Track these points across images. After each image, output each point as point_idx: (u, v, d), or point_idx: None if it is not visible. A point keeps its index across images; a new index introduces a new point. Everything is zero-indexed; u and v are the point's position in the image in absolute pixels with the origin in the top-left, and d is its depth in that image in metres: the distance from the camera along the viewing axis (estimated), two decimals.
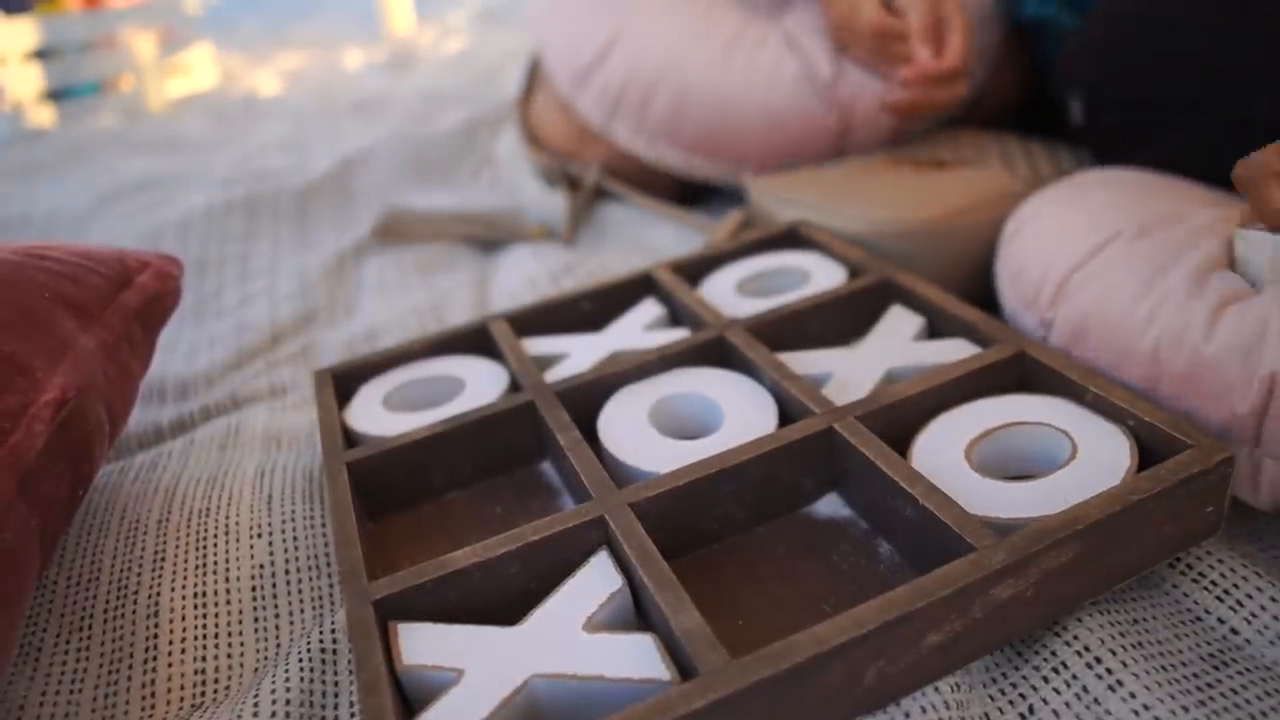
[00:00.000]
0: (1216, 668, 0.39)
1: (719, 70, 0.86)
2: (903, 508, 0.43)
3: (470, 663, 0.38)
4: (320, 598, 0.50)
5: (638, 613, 0.42)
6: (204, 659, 0.47)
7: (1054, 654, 0.40)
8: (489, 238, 0.96)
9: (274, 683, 0.43)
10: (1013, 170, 0.79)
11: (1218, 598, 0.42)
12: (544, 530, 0.43)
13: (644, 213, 0.96)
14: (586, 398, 0.55)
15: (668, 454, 0.49)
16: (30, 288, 0.52)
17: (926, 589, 0.36)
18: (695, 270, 0.68)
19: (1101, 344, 0.51)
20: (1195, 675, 0.39)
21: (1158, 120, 0.66)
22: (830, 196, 0.72)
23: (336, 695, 0.43)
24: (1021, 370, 0.51)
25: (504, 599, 0.43)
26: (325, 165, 1.20)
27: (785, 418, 0.51)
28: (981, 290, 0.67)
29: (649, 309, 0.64)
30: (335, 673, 0.44)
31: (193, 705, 0.45)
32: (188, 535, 0.53)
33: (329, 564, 0.52)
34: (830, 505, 0.48)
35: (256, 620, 0.49)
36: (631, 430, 0.51)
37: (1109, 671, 0.38)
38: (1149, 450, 0.44)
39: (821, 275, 0.64)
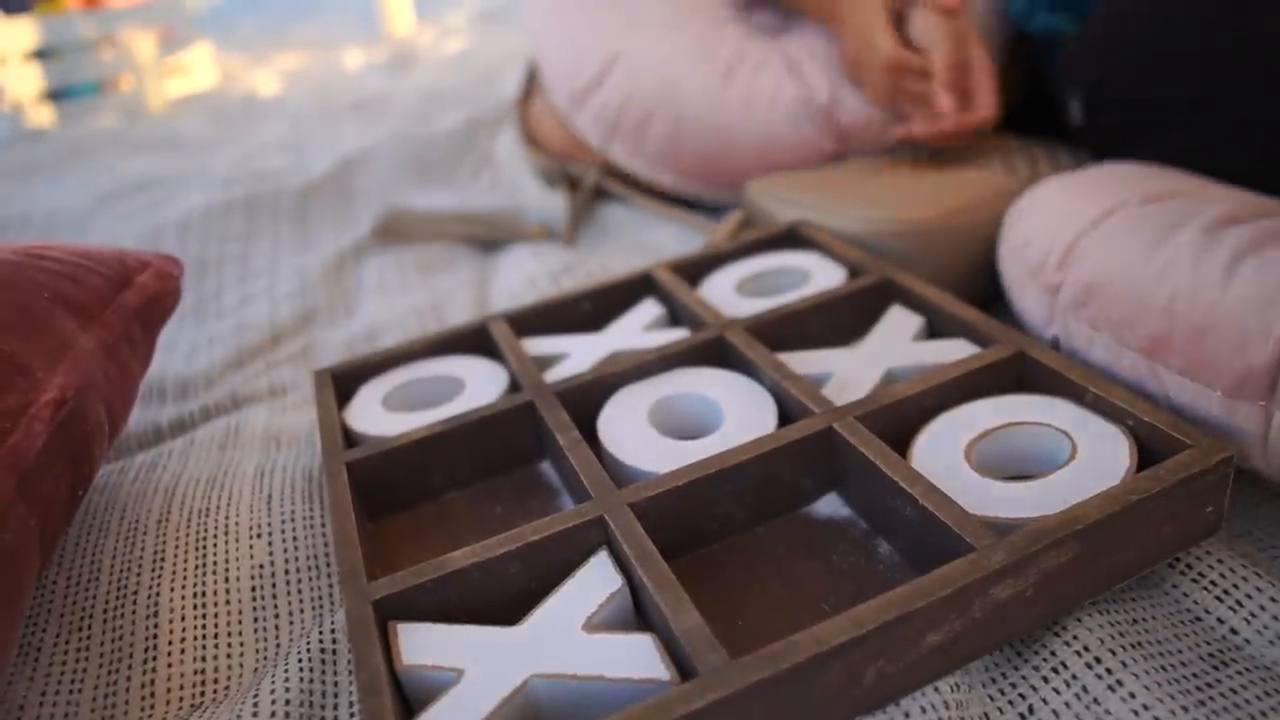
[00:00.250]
0: (1216, 668, 0.39)
1: (717, 96, 0.86)
2: (902, 508, 0.43)
3: (470, 663, 0.38)
4: (320, 598, 0.50)
5: (637, 613, 0.42)
6: (204, 659, 0.47)
7: (1054, 654, 0.40)
8: (489, 238, 0.96)
9: (274, 683, 0.43)
10: (1012, 170, 0.79)
11: (1217, 598, 0.42)
12: (544, 530, 0.43)
13: (644, 213, 0.96)
14: (586, 398, 0.55)
15: (667, 454, 0.49)
16: (30, 288, 0.52)
17: (926, 589, 0.36)
18: (695, 270, 0.68)
19: (1113, 301, 0.50)
20: (1195, 675, 0.39)
21: (1157, 120, 0.66)
22: (830, 197, 0.72)
23: (336, 695, 0.43)
24: (1021, 370, 0.51)
25: (504, 599, 0.43)
26: (325, 165, 1.20)
27: (785, 418, 0.51)
28: (981, 290, 0.67)
29: (649, 309, 0.64)
30: (335, 673, 0.44)
31: (192, 705, 0.45)
32: (187, 535, 0.53)
33: (329, 564, 0.52)
34: (830, 505, 0.48)
35: (256, 620, 0.49)
36: (631, 430, 0.51)
37: (1109, 671, 0.38)
38: (1148, 450, 0.44)
39: (821, 275, 0.64)
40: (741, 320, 0.58)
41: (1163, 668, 0.39)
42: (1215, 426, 0.46)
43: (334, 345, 0.79)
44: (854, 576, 0.44)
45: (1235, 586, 0.42)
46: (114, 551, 0.53)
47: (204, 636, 0.48)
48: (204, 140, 1.51)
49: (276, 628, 0.48)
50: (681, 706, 0.33)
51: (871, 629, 0.35)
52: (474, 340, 0.64)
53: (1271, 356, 0.43)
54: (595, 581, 0.42)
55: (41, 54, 1.70)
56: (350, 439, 0.56)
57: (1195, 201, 0.52)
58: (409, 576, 0.42)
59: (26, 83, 1.67)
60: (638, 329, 0.62)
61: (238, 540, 0.52)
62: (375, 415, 0.57)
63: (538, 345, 0.61)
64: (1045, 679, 0.39)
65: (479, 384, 0.59)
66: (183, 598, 0.49)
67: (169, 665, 0.47)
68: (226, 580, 0.50)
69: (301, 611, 0.49)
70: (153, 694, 0.45)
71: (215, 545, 0.52)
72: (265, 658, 0.47)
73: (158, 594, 0.50)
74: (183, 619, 0.48)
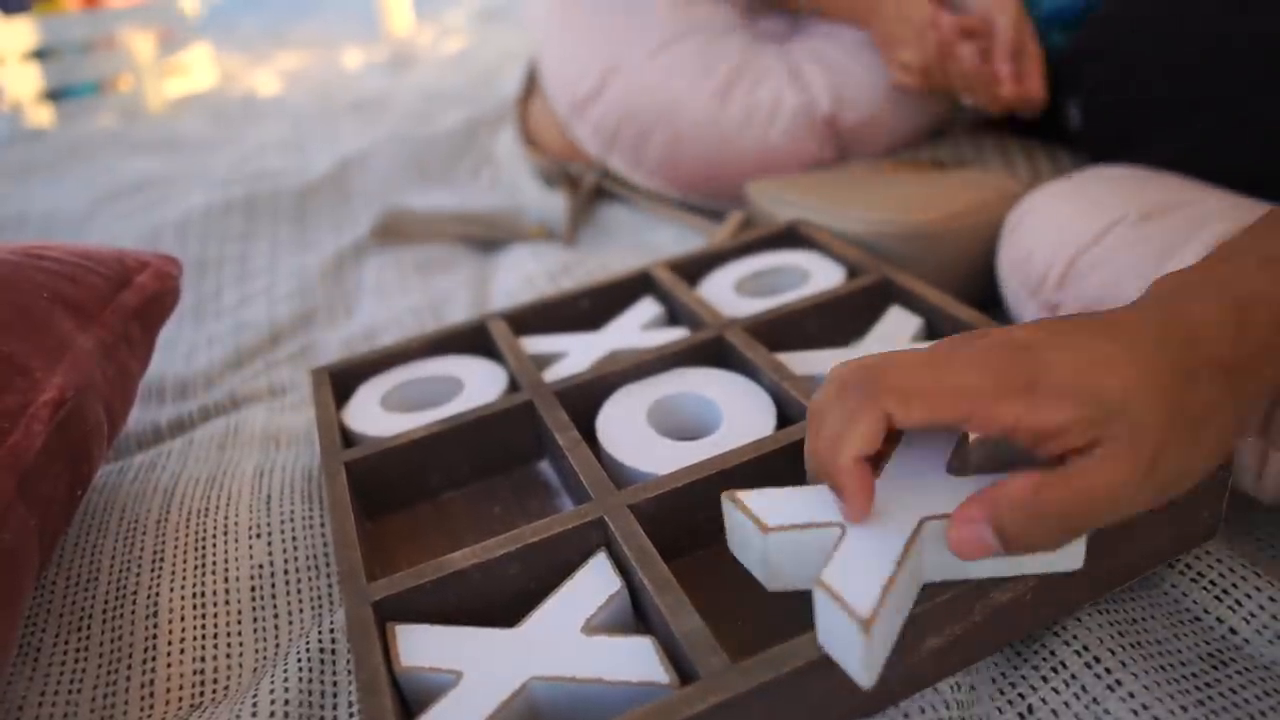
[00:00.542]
0: (1215, 667, 0.39)
1: (716, 110, 0.85)
2: None
3: (469, 664, 0.38)
4: (319, 598, 0.50)
5: (636, 614, 0.42)
6: (203, 659, 0.47)
7: (1053, 654, 0.40)
8: (488, 238, 0.96)
9: (273, 683, 0.43)
10: (1013, 172, 0.79)
11: (1216, 597, 0.42)
12: (543, 531, 0.43)
13: (644, 213, 0.96)
14: (585, 397, 0.55)
15: (666, 454, 0.49)
16: (29, 288, 0.52)
17: (927, 592, 0.36)
18: (694, 269, 0.68)
19: None
20: (1194, 675, 0.39)
21: (1156, 123, 0.66)
22: (830, 198, 0.72)
23: (335, 696, 0.43)
24: None
25: (503, 600, 0.43)
26: (324, 165, 1.20)
27: (784, 418, 0.51)
28: (980, 292, 0.67)
29: (647, 308, 0.64)
30: (334, 673, 0.44)
31: (191, 705, 0.45)
32: (186, 535, 0.53)
33: (328, 564, 0.52)
34: None
35: (255, 620, 0.49)
36: (630, 431, 0.51)
37: (1108, 671, 0.38)
38: None
39: (820, 275, 0.64)
40: (740, 320, 0.58)
41: (1162, 667, 0.39)
42: None
43: (333, 345, 0.79)
44: None
45: (1234, 586, 0.42)
46: (113, 551, 0.53)
47: (203, 636, 0.48)
48: (203, 140, 1.51)
49: (276, 628, 0.48)
50: (682, 710, 0.33)
51: None
52: (472, 339, 0.63)
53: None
54: (594, 583, 0.42)
55: (40, 54, 1.70)
56: (349, 438, 0.56)
57: (1194, 216, 0.52)
58: (408, 577, 0.42)
59: (25, 83, 1.67)
60: (636, 328, 0.62)
61: (237, 540, 0.52)
62: (374, 415, 0.57)
63: (536, 344, 0.61)
64: (1045, 679, 0.39)
65: (477, 383, 0.59)
66: (182, 598, 0.49)
67: (168, 665, 0.47)
68: (226, 580, 0.50)
69: (301, 611, 0.49)
70: (152, 694, 0.45)
71: (214, 545, 0.52)
72: (265, 658, 0.47)
73: (157, 594, 0.50)
74: (182, 619, 0.48)
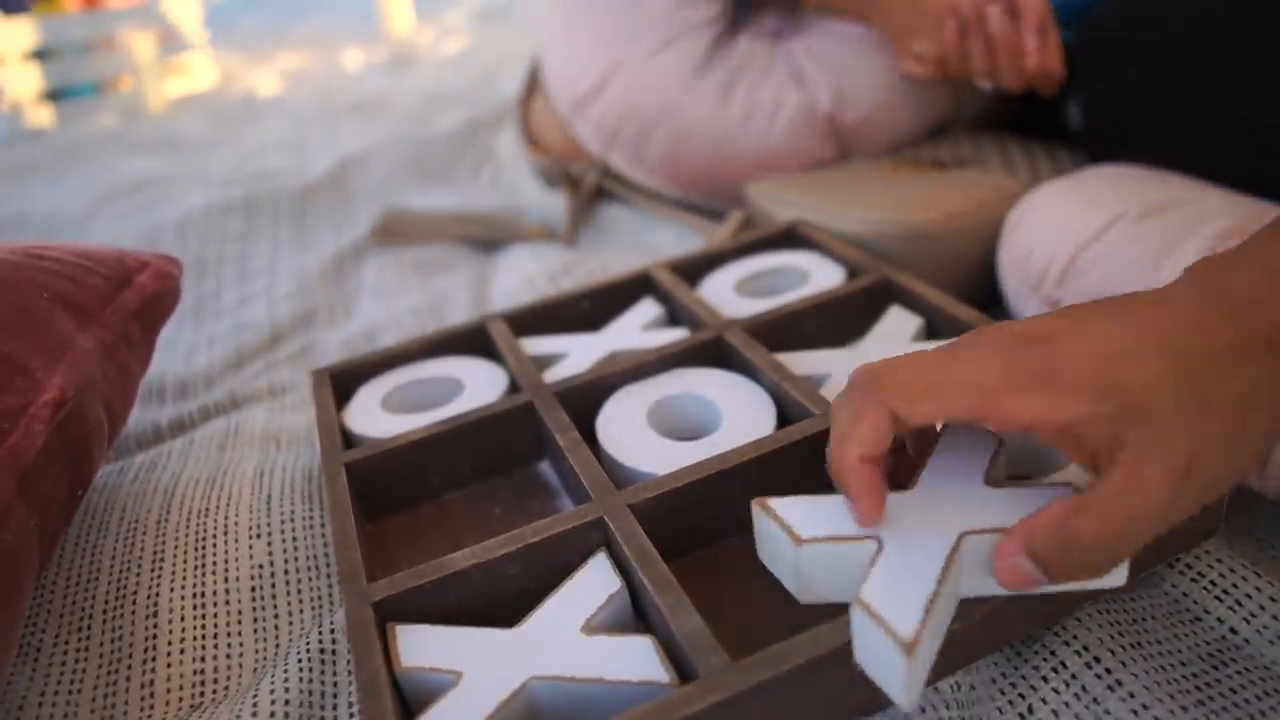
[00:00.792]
0: (1215, 667, 0.39)
1: (717, 109, 0.85)
2: None
3: (469, 665, 0.38)
4: (319, 598, 0.50)
5: (636, 614, 0.42)
6: (203, 659, 0.47)
7: (1053, 654, 0.40)
8: (488, 238, 0.96)
9: (273, 683, 0.43)
10: (1013, 172, 0.79)
11: (1217, 597, 0.42)
12: (543, 531, 0.43)
13: (644, 213, 0.96)
14: (585, 398, 0.55)
15: (666, 455, 0.49)
16: (29, 288, 0.52)
17: None
18: (694, 270, 0.68)
19: None
20: (1194, 675, 0.39)
21: (1156, 122, 0.66)
22: (830, 198, 0.72)
23: (335, 696, 0.43)
24: None
25: (503, 600, 0.43)
26: (324, 165, 1.20)
27: (784, 418, 0.51)
28: (980, 291, 0.67)
29: (647, 308, 0.64)
30: (334, 673, 0.44)
31: (192, 705, 0.45)
32: (187, 535, 0.53)
33: (328, 564, 0.52)
34: None
35: (256, 620, 0.49)
36: (630, 431, 0.51)
37: (1108, 671, 0.38)
38: None
39: (820, 275, 0.64)
40: (740, 320, 0.58)
41: (1162, 667, 0.39)
42: None
43: (333, 346, 0.79)
44: None
45: (1235, 586, 0.42)
46: (113, 552, 0.53)
47: (203, 636, 0.48)
48: (203, 140, 1.51)
49: (276, 628, 0.48)
50: (682, 709, 0.33)
51: None
52: (472, 340, 0.63)
53: None
54: (594, 583, 0.42)
55: (40, 54, 1.70)
56: (349, 440, 0.56)
57: (1193, 214, 0.52)
58: (408, 578, 0.42)
59: (25, 83, 1.67)
60: (636, 328, 0.62)
61: (237, 540, 0.52)
62: (374, 416, 0.57)
63: (536, 345, 0.61)
64: (1045, 679, 0.39)
65: (478, 384, 0.59)
66: (182, 598, 0.49)
67: (168, 665, 0.47)
68: (226, 580, 0.50)
69: (301, 612, 0.49)
70: (152, 694, 0.45)
71: (215, 545, 0.52)
72: (265, 658, 0.47)
73: (157, 594, 0.50)
74: (182, 619, 0.48)
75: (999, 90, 0.77)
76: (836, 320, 0.60)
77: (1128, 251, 0.51)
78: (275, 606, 0.49)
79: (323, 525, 0.53)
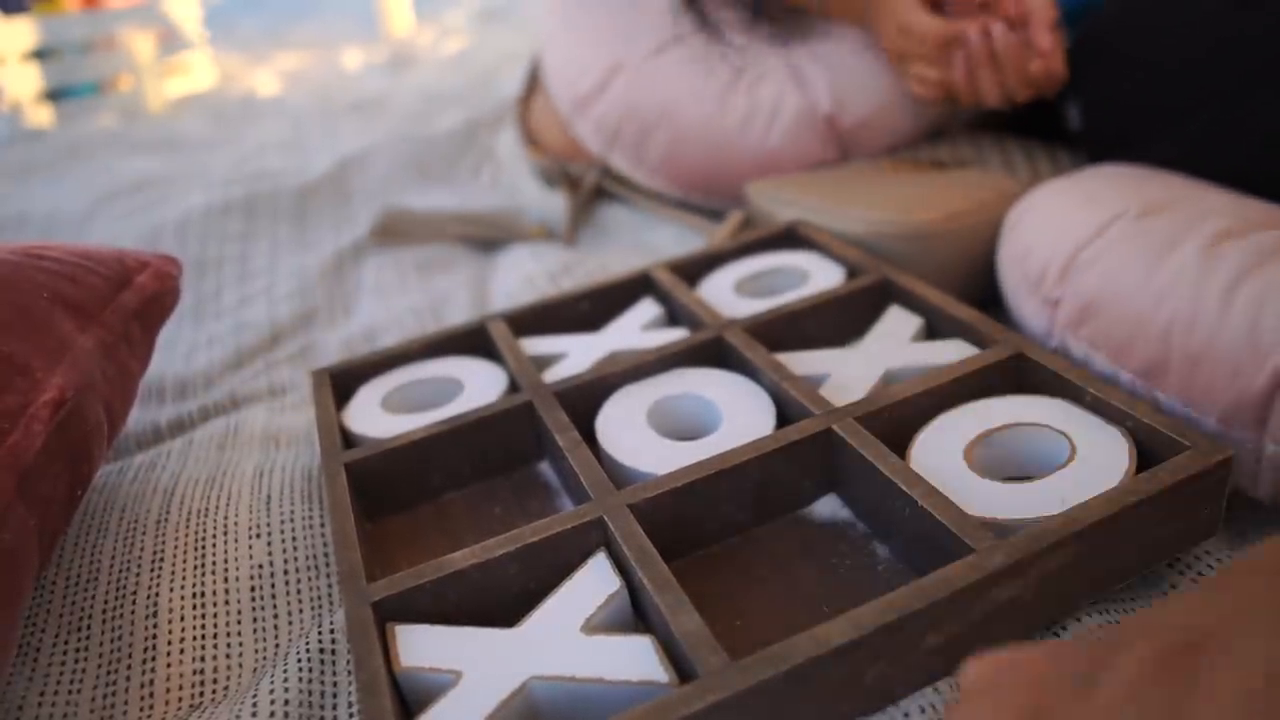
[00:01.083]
0: None
1: (717, 110, 0.85)
2: (902, 509, 0.43)
3: (468, 665, 0.38)
4: (319, 598, 0.50)
5: (636, 614, 0.42)
6: (203, 659, 0.47)
7: None
8: (488, 238, 0.96)
9: (273, 683, 0.43)
10: (1013, 172, 0.79)
11: None
12: (543, 531, 0.43)
13: (644, 213, 0.96)
14: (585, 398, 0.55)
15: (666, 455, 0.49)
16: (29, 288, 0.52)
17: (926, 591, 0.36)
18: (693, 270, 0.68)
19: (1111, 323, 0.51)
20: None
21: (1156, 123, 0.66)
22: (830, 198, 0.72)
23: (335, 696, 0.43)
24: (1020, 371, 0.51)
25: (503, 600, 0.43)
26: (324, 165, 1.20)
27: (783, 418, 0.51)
28: (980, 291, 0.67)
29: (647, 309, 0.64)
30: (334, 673, 0.44)
31: (191, 705, 0.45)
32: (186, 535, 0.53)
33: (328, 564, 0.52)
34: (829, 506, 0.48)
35: (255, 620, 0.49)
36: (630, 431, 0.51)
37: None
38: (1147, 452, 0.44)
39: (820, 275, 0.64)
40: (740, 320, 0.58)
41: None
42: None
43: (333, 345, 0.79)
44: (853, 578, 0.44)
45: None
46: (113, 552, 0.53)
47: (203, 636, 0.48)
48: (203, 140, 1.51)
49: (275, 628, 0.48)
50: (681, 709, 0.33)
51: (871, 631, 0.35)
52: (472, 340, 0.63)
53: (1265, 389, 0.44)
54: (594, 583, 0.42)
55: (40, 54, 1.70)
56: (349, 440, 0.56)
57: (1194, 213, 0.52)
58: (408, 578, 0.42)
59: (25, 83, 1.66)
60: (636, 329, 0.62)
61: (237, 540, 0.52)
62: (374, 416, 0.57)
63: (536, 345, 0.61)
64: None
65: (478, 385, 0.59)
66: (182, 598, 0.49)
67: (168, 665, 0.47)
68: (225, 580, 0.50)
69: (300, 612, 0.49)
70: (152, 694, 0.45)
71: (214, 545, 0.52)
72: (264, 658, 0.47)
73: (157, 594, 0.50)
74: (182, 619, 0.48)
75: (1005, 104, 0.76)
76: (836, 320, 0.60)
77: (1127, 250, 0.51)
78: (275, 606, 0.49)
79: (323, 525, 0.53)
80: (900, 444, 0.48)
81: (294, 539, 0.52)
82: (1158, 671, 0.23)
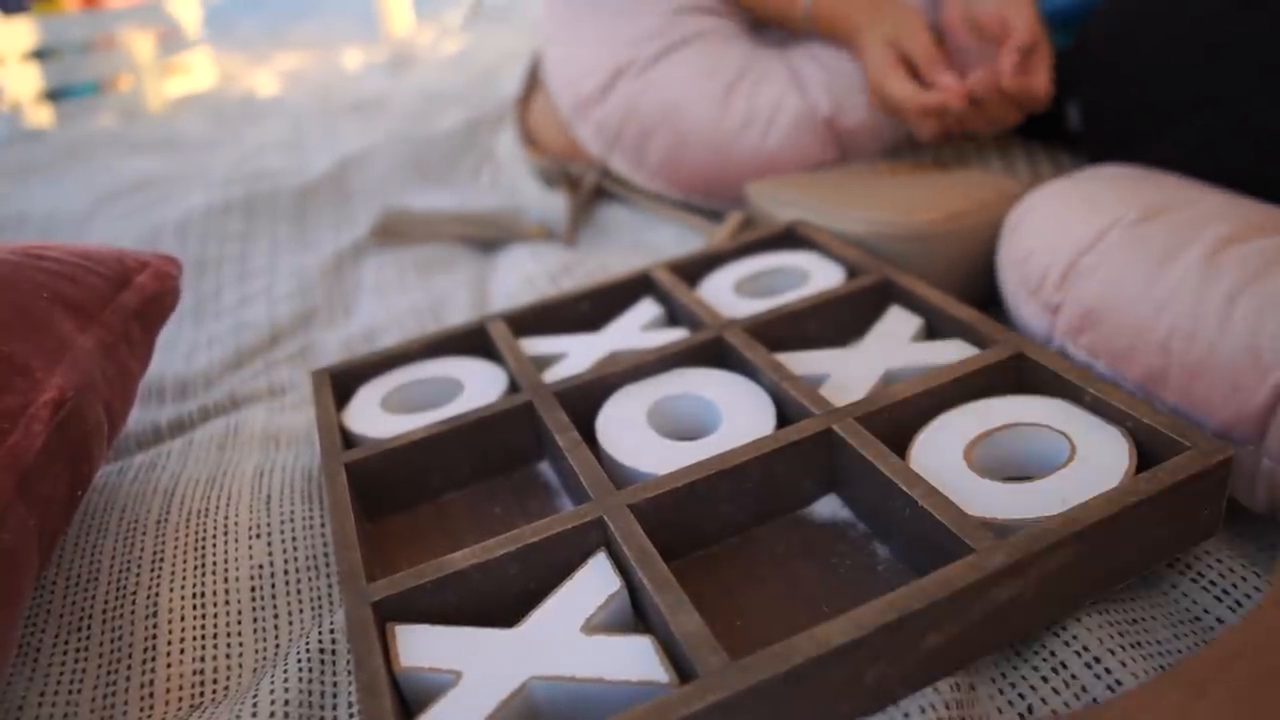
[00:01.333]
0: None
1: (718, 113, 0.86)
2: (902, 509, 0.43)
3: (468, 665, 0.38)
4: (319, 598, 0.50)
5: (636, 614, 0.42)
6: (203, 659, 0.47)
7: (1054, 654, 0.40)
8: (488, 238, 0.96)
9: (273, 683, 0.43)
10: (1013, 172, 0.79)
11: (1217, 598, 0.42)
12: (543, 531, 0.43)
13: (644, 213, 0.96)
14: (585, 398, 0.55)
15: (666, 455, 0.49)
16: (29, 288, 0.52)
17: (926, 591, 0.36)
18: (693, 270, 0.68)
19: (1112, 332, 0.51)
20: None
21: (1156, 123, 0.66)
22: (830, 199, 0.72)
23: (335, 696, 0.43)
24: (1020, 371, 0.51)
25: (503, 600, 0.43)
26: (324, 165, 1.20)
27: (783, 418, 0.51)
28: (980, 292, 0.67)
29: (647, 309, 0.64)
30: (334, 673, 0.44)
31: (191, 705, 0.45)
32: (186, 535, 0.53)
33: (328, 564, 0.52)
34: (829, 506, 0.48)
35: (255, 620, 0.49)
36: (630, 431, 0.51)
37: (1108, 671, 0.38)
38: (1147, 452, 0.44)
39: (820, 275, 0.64)
40: (740, 320, 0.58)
41: (1162, 668, 0.39)
42: None
43: (332, 345, 0.79)
44: (853, 578, 0.44)
45: (1235, 586, 0.42)
46: (113, 552, 0.53)
47: (203, 636, 0.48)
48: (203, 140, 1.51)
49: (276, 628, 0.48)
50: (681, 709, 0.33)
51: (871, 631, 0.35)
52: (472, 340, 0.63)
53: (1265, 402, 0.44)
54: (594, 583, 0.42)
55: (40, 54, 1.70)
56: (349, 440, 0.56)
57: (1194, 218, 0.52)
58: (408, 578, 0.42)
59: (25, 83, 1.66)
60: (636, 329, 0.62)
61: (237, 540, 0.52)
62: (374, 416, 0.57)
63: (536, 345, 0.61)
64: (1045, 679, 0.39)
65: (478, 385, 0.59)
66: (182, 598, 0.49)
67: (168, 665, 0.47)
68: (226, 580, 0.50)
69: (301, 612, 0.49)
70: (152, 694, 0.45)
71: (214, 545, 0.52)
72: (264, 658, 0.47)
73: (157, 594, 0.50)
74: (182, 619, 0.48)
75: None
76: (836, 320, 0.60)
77: (1127, 257, 0.51)
78: (275, 606, 0.49)
79: (323, 525, 0.53)
80: (900, 444, 0.48)
81: (294, 539, 0.52)
82: None
